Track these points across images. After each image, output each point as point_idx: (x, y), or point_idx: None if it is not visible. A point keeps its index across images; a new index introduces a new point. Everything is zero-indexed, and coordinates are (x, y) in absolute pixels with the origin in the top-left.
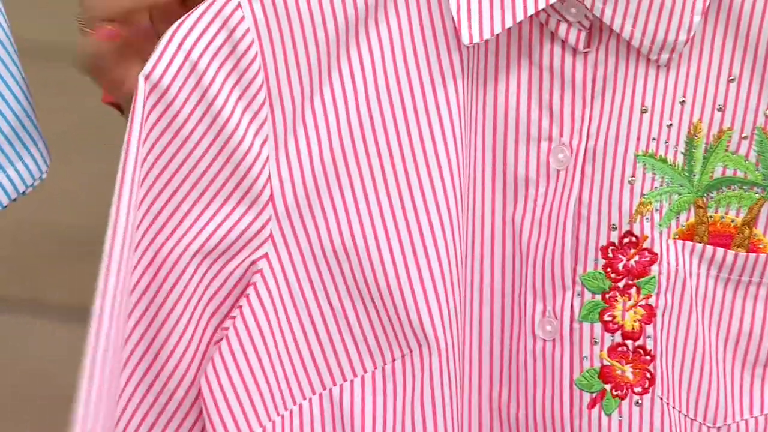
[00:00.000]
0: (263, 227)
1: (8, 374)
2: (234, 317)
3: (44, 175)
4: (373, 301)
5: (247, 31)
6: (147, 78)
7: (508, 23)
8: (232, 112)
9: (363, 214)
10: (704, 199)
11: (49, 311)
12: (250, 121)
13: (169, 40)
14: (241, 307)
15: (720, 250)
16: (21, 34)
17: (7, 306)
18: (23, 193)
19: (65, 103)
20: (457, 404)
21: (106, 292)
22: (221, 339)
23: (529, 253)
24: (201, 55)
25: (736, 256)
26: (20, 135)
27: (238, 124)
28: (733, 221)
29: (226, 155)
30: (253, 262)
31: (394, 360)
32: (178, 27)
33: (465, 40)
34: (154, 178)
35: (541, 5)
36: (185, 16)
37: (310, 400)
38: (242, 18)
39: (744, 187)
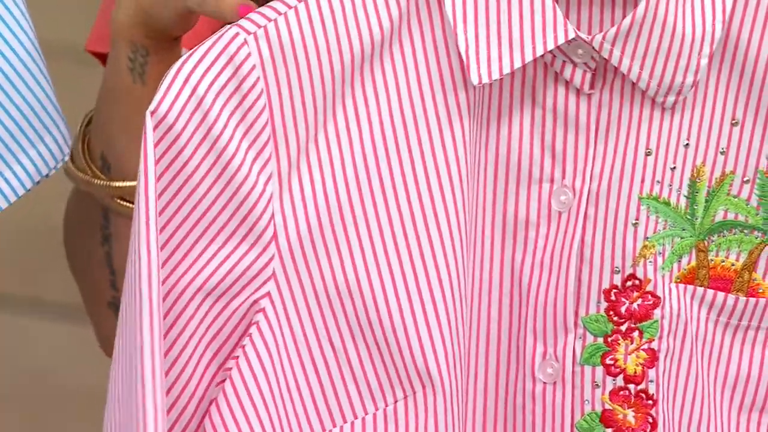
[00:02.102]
0: (266, 265)
1: (6, 371)
2: (237, 357)
3: (66, 158)
4: (376, 342)
5: (253, 68)
6: (153, 113)
7: (517, 64)
8: (237, 148)
9: (367, 254)
10: (705, 242)
11: (48, 310)
12: (255, 159)
13: (176, 75)
14: (244, 346)
15: (720, 294)
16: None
17: (5, 304)
18: (47, 175)
19: (66, 102)
20: None
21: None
22: (224, 380)
23: (529, 295)
24: (207, 91)
25: (736, 300)
26: (41, 117)
27: (242, 162)
28: (733, 265)
29: (230, 192)
30: (256, 301)
31: (396, 401)
32: (185, 62)
33: (474, 80)
34: (158, 212)
35: (550, 46)
36: (191, 51)
37: None
38: (248, 54)
39: (744, 231)
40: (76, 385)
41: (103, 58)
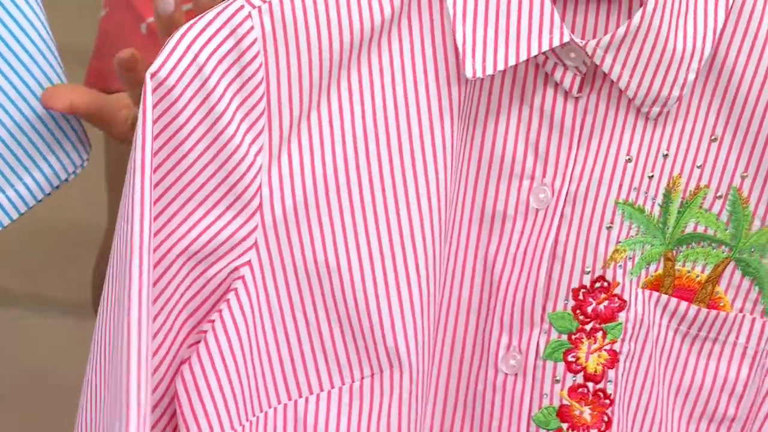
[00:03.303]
0: (249, 234)
1: (8, 366)
2: (212, 320)
3: (85, 164)
4: (349, 320)
5: (255, 41)
6: (153, 75)
7: (512, 61)
8: (232, 118)
9: (348, 235)
10: (674, 252)
11: (49, 307)
12: (248, 129)
13: (179, 41)
14: (220, 311)
15: (683, 304)
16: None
17: (8, 299)
18: (66, 179)
19: None
20: (421, 427)
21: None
22: (198, 341)
23: (500, 287)
24: (207, 59)
25: (697, 311)
26: (60, 124)
27: (236, 131)
28: (698, 276)
29: (221, 160)
30: (236, 268)
31: (363, 378)
32: (189, 29)
33: (468, 73)
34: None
35: (544, 47)
36: (196, 18)
37: (275, 409)
38: (251, 28)
39: (712, 245)
40: (77, 384)
41: (106, 92)
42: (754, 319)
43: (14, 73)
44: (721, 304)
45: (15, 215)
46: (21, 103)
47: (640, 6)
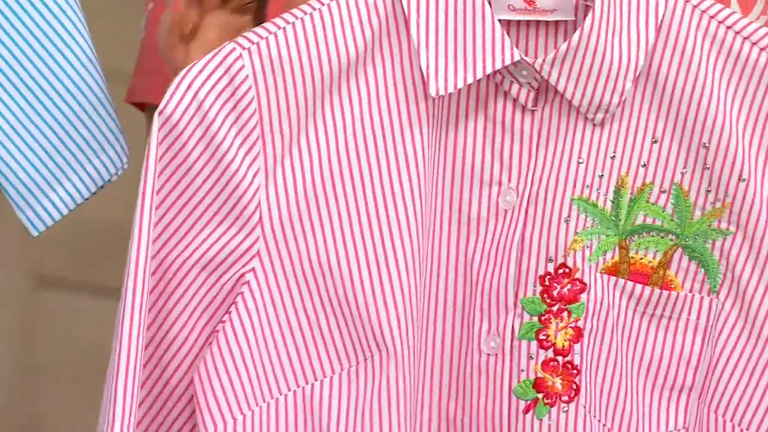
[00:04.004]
0: (252, 246)
1: (62, 344)
2: (224, 321)
3: (125, 166)
4: (342, 313)
5: (246, 77)
6: (160, 113)
7: (469, 80)
8: (231, 145)
9: (338, 239)
10: (627, 241)
11: (99, 292)
12: (246, 154)
13: (180, 81)
14: (230, 313)
15: (638, 286)
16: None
17: (64, 286)
18: (108, 180)
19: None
20: (411, 407)
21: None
22: (213, 340)
23: (478, 280)
24: (206, 96)
25: (651, 292)
26: (103, 131)
27: (235, 156)
28: (650, 262)
29: (223, 182)
30: (242, 275)
31: (357, 363)
32: (189, 70)
33: (432, 92)
34: (161, 199)
35: (497, 66)
36: (194, 62)
37: (286, 396)
38: (242, 66)
39: (660, 234)
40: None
41: (142, 107)
42: (702, 298)
43: (62, 85)
44: (673, 286)
45: (65, 211)
46: (68, 112)
47: (580, 27)
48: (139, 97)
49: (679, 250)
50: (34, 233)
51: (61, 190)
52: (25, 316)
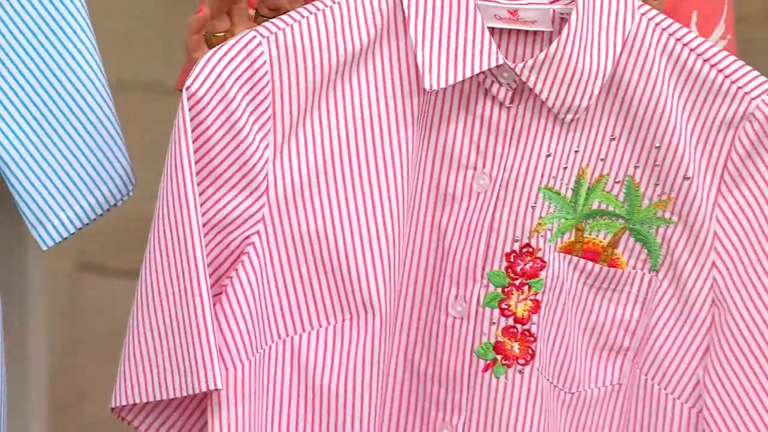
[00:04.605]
0: (258, 211)
1: (101, 322)
2: (231, 277)
3: (131, 193)
4: (333, 275)
5: (264, 62)
6: (188, 89)
7: (459, 77)
8: (246, 121)
9: (334, 210)
10: (582, 224)
11: (134, 277)
12: (258, 130)
13: (206, 62)
14: (236, 269)
15: (589, 263)
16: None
17: (104, 271)
18: (115, 204)
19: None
20: (386, 361)
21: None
22: (220, 293)
23: (449, 251)
24: (229, 76)
25: (600, 268)
26: (111, 161)
27: (249, 131)
28: (600, 242)
29: (237, 153)
30: (248, 237)
31: (344, 320)
32: (215, 52)
33: (426, 86)
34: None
35: (484, 67)
36: (219, 45)
37: (277, 343)
38: (262, 53)
39: (612, 218)
40: None
41: None
42: (643, 275)
43: (79, 123)
44: (619, 263)
45: (72, 230)
46: (82, 145)
47: (557, 37)
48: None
49: (627, 232)
50: (44, 247)
51: (70, 212)
52: (69, 297)
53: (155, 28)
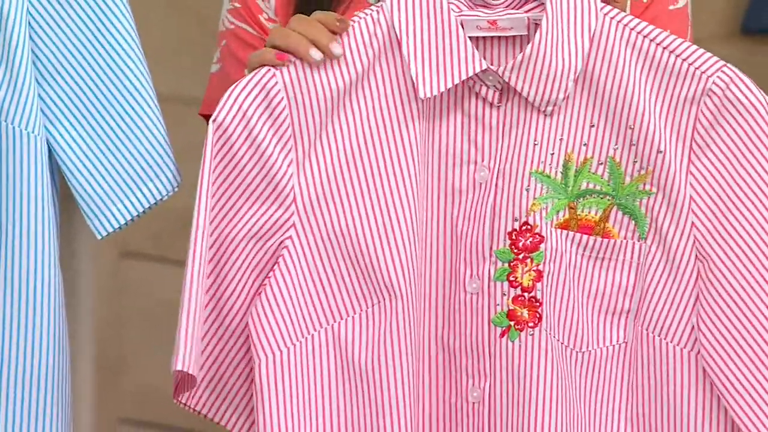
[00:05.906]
0: (288, 219)
1: (140, 304)
2: (270, 277)
3: (176, 189)
4: (360, 266)
5: (279, 90)
6: (214, 120)
7: (449, 84)
8: (269, 143)
9: (354, 211)
10: (574, 203)
11: (169, 263)
12: (281, 150)
13: (229, 95)
14: (274, 270)
15: (585, 236)
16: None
17: (143, 258)
18: (161, 199)
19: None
20: (414, 338)
21: (194, 259)
22: (262, 291)
23: (461, 237)
24: (249, 105)
25: (595, 240)
26: (157, 161)
27: (273, 151)
28: (593, 218)
29: (264, 172)
30: (282, 242)
31: (373, 305)
32: (235, 87)
33: (420, 95)
34: (217, 187)
35: (470, 73)
36: (239, 80)
37: (319, 332)
38: (276, 82)
39: (600, 196)
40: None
41: (207, 119)
42: (633, 243)
43: (129, 128)
44: (611, 235)
45: (123, 222)
46: (131, 147)
47: (531, 41)
48: (207, 110)
49: (615, 207)
50: (98, 237)
51: (120, 205)
52: (113, 281)
53: (188, 45)
